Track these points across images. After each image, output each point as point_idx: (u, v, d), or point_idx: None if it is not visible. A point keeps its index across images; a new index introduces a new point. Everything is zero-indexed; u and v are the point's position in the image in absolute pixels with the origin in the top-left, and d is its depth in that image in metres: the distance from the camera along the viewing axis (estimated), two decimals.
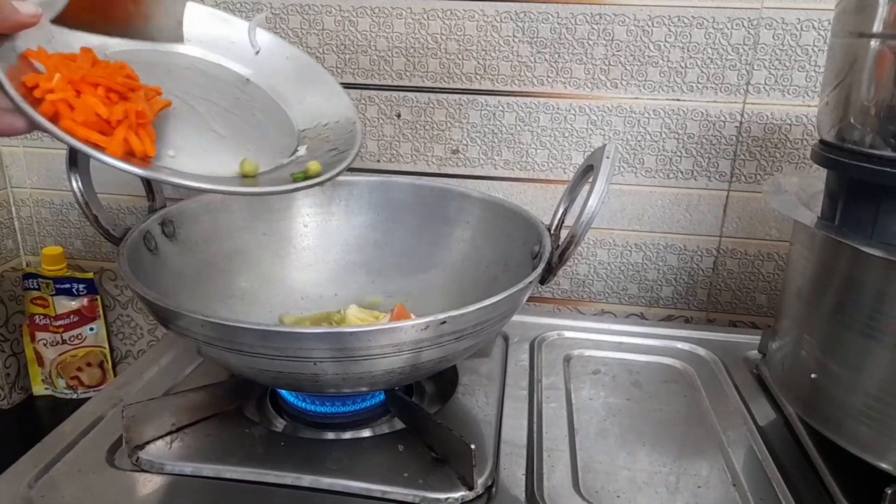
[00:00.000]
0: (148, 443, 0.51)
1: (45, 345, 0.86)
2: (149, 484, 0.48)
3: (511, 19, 0.72)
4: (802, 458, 0.53)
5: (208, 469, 0.49)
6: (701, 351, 0.69)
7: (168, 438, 0.51)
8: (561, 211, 0.58)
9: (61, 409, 0.88)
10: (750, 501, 0.48)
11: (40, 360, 0.88)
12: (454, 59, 0.74)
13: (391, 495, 0.47)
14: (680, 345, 0.69)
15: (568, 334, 0.71)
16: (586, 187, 0.53)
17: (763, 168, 0.73)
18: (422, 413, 0.53)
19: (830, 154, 0.47)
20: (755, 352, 0.67)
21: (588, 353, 0.68)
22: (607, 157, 0.51)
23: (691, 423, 0.58)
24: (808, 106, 0.71)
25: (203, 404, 0.54)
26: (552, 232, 0.57)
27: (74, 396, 0.89)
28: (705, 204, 0.76)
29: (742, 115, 0.72)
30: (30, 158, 0.85)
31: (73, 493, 0.47)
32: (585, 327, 0.73)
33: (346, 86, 0.77)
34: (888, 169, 0.43)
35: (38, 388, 0.90)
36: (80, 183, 0.51)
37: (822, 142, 0.49)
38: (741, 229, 0.76)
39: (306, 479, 0.48)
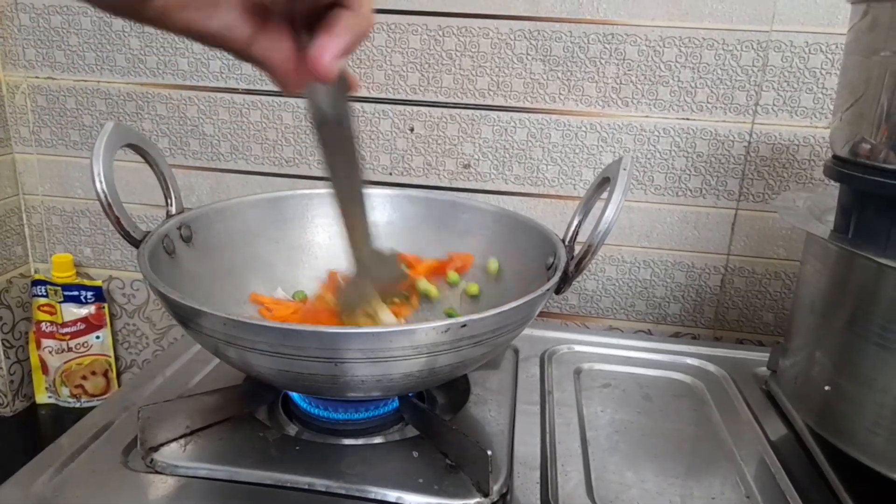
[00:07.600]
0: (162, 445, 0.50)
1: (50, 352, 0.86)
2: (162, 486, 0.48)
3: (525, 37, 0.74)
4: (815, 472, 0.53)
5: (222, 471, 0.49)
6: (710, 367, 0.69)
7: (182, 441, 0.51)
8: (575, 223, 0.59)
9: (64, 417, 0.88)
10: None
11: (45, 368, 0.88)
12: (468, 74, 0.76)
13: (406, 501, 0.47)
14: (689, 360, 0.70)
15: (578, 348, 0.72)
16: (599, 203, 0.53)
17: (771, 187, 0.75)
18: (436, 419, 0.53)
19: (844, 169, 0.48)
20: (764, 368, 0.68)
21: (598, 366, 0.68)
22: (624, 169, 0.52)
23: (703, 437, 0.58)
24: (816, 127, 0.72)
25: (217, 407, 0.53)
26: (567, 243, 0.58)
27: (77, 405, 0.89)
28: (713, 222, 0.77)
29: (751, 135, 0.73)
30: (42, 166, 0.86)
31: (87, 492, 0.46)
32: (595, 341, 0.73)
33: (361, 100, 0.78)
34: None
35: (42, 396, 0.90)
36: (104, 185, 0.51)
37: (835, 157, 0.50)
38: (749, 248, 0.77)
39: (320, 483, 0.48)
